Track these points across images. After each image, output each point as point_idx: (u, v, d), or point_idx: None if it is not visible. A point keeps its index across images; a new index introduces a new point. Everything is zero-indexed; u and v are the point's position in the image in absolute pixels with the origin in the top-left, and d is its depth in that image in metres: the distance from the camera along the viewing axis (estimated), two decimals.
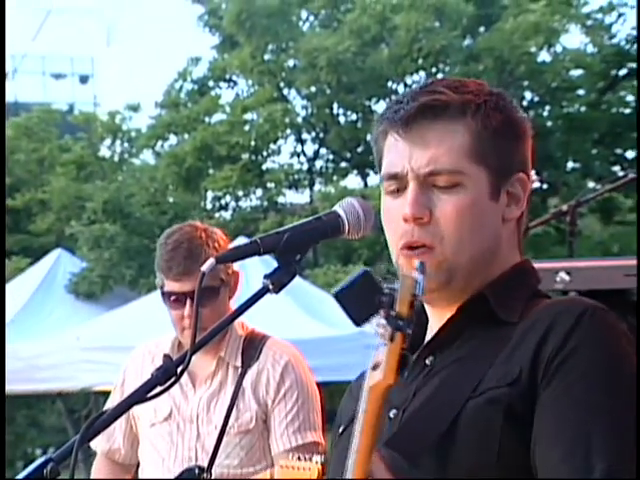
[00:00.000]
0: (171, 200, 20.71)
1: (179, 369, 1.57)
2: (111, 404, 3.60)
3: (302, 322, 10.54)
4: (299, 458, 3.05)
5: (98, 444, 3.63)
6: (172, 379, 1.57)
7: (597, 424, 1.53)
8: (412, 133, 1.71)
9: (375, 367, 1.47)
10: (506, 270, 1.73)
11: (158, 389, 1.58)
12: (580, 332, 1.58)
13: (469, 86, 1.76)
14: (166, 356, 1.63)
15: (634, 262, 3.62)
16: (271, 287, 1.64)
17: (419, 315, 1.74)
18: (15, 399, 21.34)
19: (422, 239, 1.70)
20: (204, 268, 1.68)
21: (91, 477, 3.65)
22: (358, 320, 1.52)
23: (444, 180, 1.70)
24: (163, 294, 3.44)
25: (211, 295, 3.36)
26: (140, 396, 1.58)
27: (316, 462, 2.98)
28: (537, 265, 3.55)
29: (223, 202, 21.26)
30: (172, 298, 3.40)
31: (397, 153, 1.73)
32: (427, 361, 1.71)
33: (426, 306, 1.77)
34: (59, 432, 18.16)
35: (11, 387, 11.45)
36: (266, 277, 1.63)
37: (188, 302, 3.35)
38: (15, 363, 10.66)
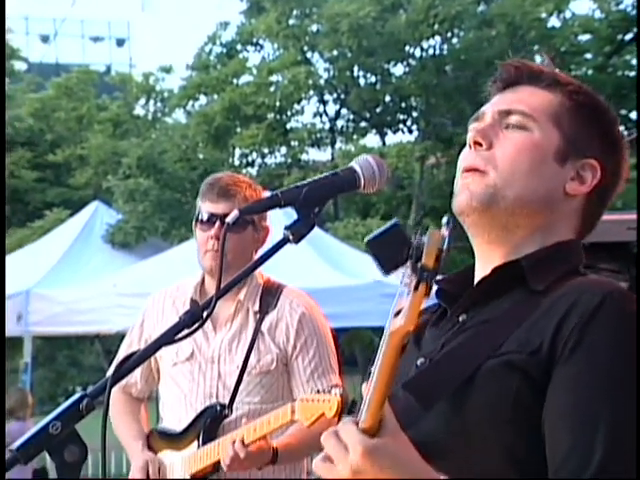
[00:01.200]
0: (201, 156, 20.71)
1: (204, 313, 1.58)
2: (129, 341, 3.64)
3: (323, 272, 10.54)
4: (318, 391, 3.07)
5: None
6: (198, 322, 1.58)
7: (603, 409, 1.51)
8: (506, 90, 1.76)
9: (397, 314, 1.46)
10: (549, 245, 1.70)
11: (185, 332, 1.59)
12: (601, 315, 1.55)
13: (569, 77, 1.78)
14: (193, 301, 1.63)
15: (635, 216, 3.60)
16: (291, 237, 1.63)
17: (467, 275, 1.75)
18: (56, 340, 21.56)
19: (477, 163, 1.69)
20: (229, 219, 1.68)
21: (110, 408, 3.67)
22: (386, 268, 1.51)
23: (516, 120, 1.69)
24: (197, 221, 3.42)
25: (241, 224, 3.33)
26: (168, 338, 1.59)
27: (335, 394, 2.99)
28: None
29: (250, 159, 21.26)
30: (204, 219, 3.39)
31: (491, 101, 1.77)
32: (460, 318, 1.69)
33: (475, 251, 1.74)
34: (97, 371, 18.35)
35: (52, 329, 11.55)
36: (286, 228, 1.63)
37: (217, 224, 3.34)
38: (56, 307, 10.74)
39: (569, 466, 1.50)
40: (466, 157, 1.72)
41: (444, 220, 1.52)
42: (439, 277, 1.74)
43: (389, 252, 1.49)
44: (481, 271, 1.73)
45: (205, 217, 3.40)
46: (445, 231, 1.48)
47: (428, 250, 1.44)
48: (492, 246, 1.71)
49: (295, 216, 1.66)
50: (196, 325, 1.59)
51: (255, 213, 1.71)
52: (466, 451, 1.56)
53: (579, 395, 1.53)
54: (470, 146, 1.72)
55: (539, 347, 1.56)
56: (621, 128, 1.81)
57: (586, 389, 1.53)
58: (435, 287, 1.74)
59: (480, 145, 1.70)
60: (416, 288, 1.44)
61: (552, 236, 1.72)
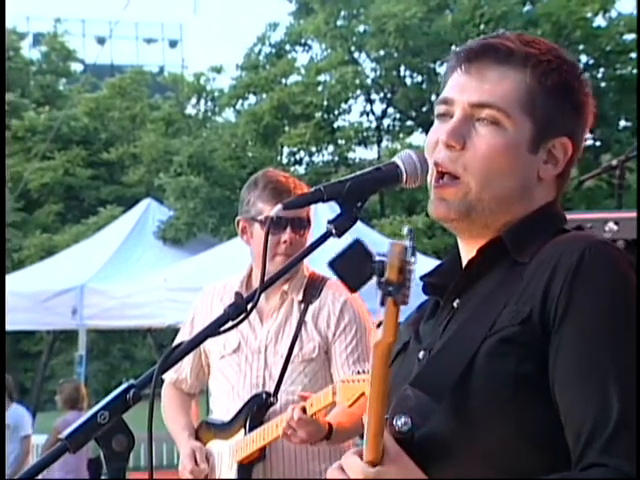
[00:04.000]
0: (250, 155, 20.77)
1: (249, 305, 1.58)
2: (181, 338, 3.63)
3: None
4: (358, 372, 3.06)
5: (167, 374, 3.66)
6: (243, 315, 1.58)
7: (609, 361, 1.49)
8: (472, 69, 1.67)
9: (378, 325, 1.45)
10: (528, 213, 1.67)
11: (229, 324, 1.59)
12: (583, 270, 1.53)
13: (540, 44, 1.70)
14: (237, 293, 1.62)
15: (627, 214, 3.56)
16: (334, 231, 1.62)
17: (454, 262, 1.73)
18: (110, 334, 21.78)
19: (447, 166, 1.65)
20: (272, 213, 1.68)
21: (162, 403, 3.69)
22: (352, 286, 1.48)
23: (487, 114, 1.63)
24: (263, 222, 3.40)
25: (307, 224, 3.41)
26: (213, 330, 1.59)
27: None
28: (588, 216, 3.51)
29: (298, 157, 21.30)
30: (273, 223, 3.30)
31: (455, 84, 1.69)
32: (454, 304, 1.67)
33: (459, 241, 1.72)
34: (149, 364, 18.48)
35: (105, 323, 11.66)
36: (330, 222, 1.62)
37: (289, 228, 3.36)
38: (109, 302, 10.83)
39: (588, 426, 1.48)
40: (438, 154, 1.66)
41: (405, 231, 1.49)
42: (424, 273, 1.73)
43: (353, 270, 1.46)
44: (467, 255, 1.70)
45: (274, 221, 3.35)
46: (407, 241, 1.45)
47: (390, 263, 1.41)
48: (476, 239, 1.69)
49: (338, 210, 1.65)
50: (241, 317, 1.58)
51: (299, 207, 1.70)
52: (475, 436, 1.54)
53: (581, 354, 1.51)
54: (441, 143, 1.66)
55: (529, 315, 1.54)
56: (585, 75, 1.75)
57: (587, 346, 1.51)
58: (421, 283, 1.73)
59: (453, 147, 1.64)
60: (382, 303, 1.42)
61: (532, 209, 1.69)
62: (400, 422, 1.53)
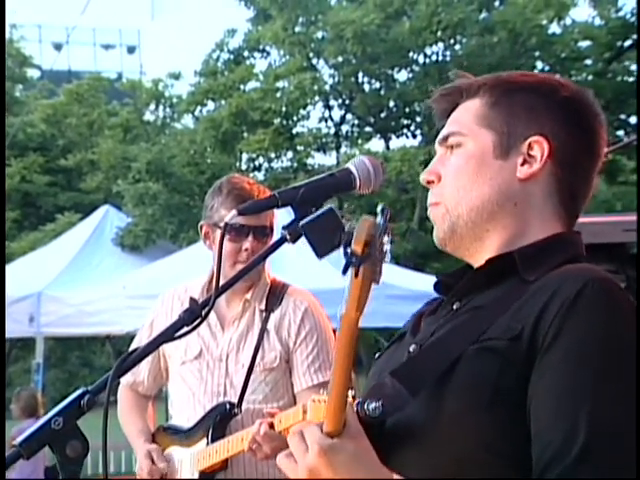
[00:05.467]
0: (209, 161, 20.72)
1: (204, 311, 1.58)
2: (139, 341, 3.63)
3: (329, 273, 10.53)
4: (321, 384, 3.03)
5: (123, 377, 3.65)
6: (198, 320, 1.58)
7: (587, 393, 1.50)
8: (439, 116, 1.79)
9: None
10: (544, 237, 1.69)
11: (185, 329, 1.59)
12: (580, 302, 1.53)
13: (507, 75, 1.77)
14: (192, 299, 1.63)
15: (633, 218, 3.60)
16: (288, 237, 1.64)
17: (465, 269, 1.76)
18: (68, 341, 21.60)
19: (431, 200, 1.74)
20: (227, 219, 1.69)
21: (118, 406, 3.68)
22: (320, 252, 1.54)
23: (452, 141, 1.72)
24: (223, 229, 3.38)
25: (268, 232, 3.40)
26: (168, 335, 1.59)
27: (348, 396, 2.98)
28: None
29: (257, 163, 21.28)
30: (235, 230, 3.34)
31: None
32: (454, 306, 1.71)
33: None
34: (108, 371, 18.28)
35: (63, 330, 11.55)
36: (284, 228, 1.64)
37: (251, 236, 3.34)
38: (67, 309, 10.74)
39: (550, 451, 1.49)
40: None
41: (379, 208, 1.51)
42: (443, 273, 1.77)
43: (322, 236, 1.52)
44: (476, 265, 1.75)
45: (236, 228, 3.35)
46: (379, 217, 1.47)
47: (357, 236, 1.42)
48: (476, 255, 1.73)
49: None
50: (195, 323, 1.59)
51: (254, 213, 1.71)
52: (445, 436, 1.55)
53: (560, 383, 1.52)
54: (426, 182, 1.76)
55: (520, 333, 1.55)
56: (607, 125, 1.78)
57: (567, 377, 1.52)
58: (434, 280, 1.78)
59: (431, 183, 1.74)
60: (344, 272, 1.43)
61: (538, 224, 1.71)
62: (372, 406, 1.56)
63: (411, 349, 1.68)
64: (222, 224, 3.38)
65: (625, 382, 1.52)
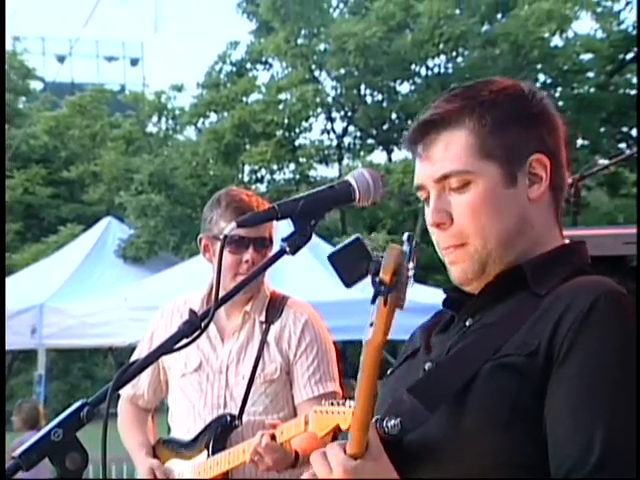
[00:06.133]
0: (211, 173, 20.73)
1: (203, 323, 1.58)
2: (138, 354, 3.61)
3: (331, 286, 10.53)
4: (332, 403, 3.03)
5: (124, 389, 3.65)
6: (197, 332, 1.58)
7: (602, 406, 1.52)
8: (421, 150, 1.73)
9: (371, 324, 1.50)
10: (551, 249, 1.71)
11: (184, 341, 1.59)
12: (594, 316, 1.55)
13: (469, 91, 1.74)
14: (191, 311, 1.63)
15: (633, 231, 3.60)
16: (288, 249, 1.64)
17: None
18: (70, 353, 21.57)
19: (450, 242, 1.71)
20: (226, 231, 1.69)
21: (118, 419, 3.68)
22: (347, 281, 1.55)
23: (455, 182, 1.68)
24: (223, 241, 3.37)
25: (268, 243, 3.38)
26: (167, 347, 1.59)
27: (349, 406, 2.96)
28: None
29: (259, 175, 21.28)
30: (235, 242, 3.35)
31: (417, 168, 1.76)
32: (467, 322, 1.71)
33: None
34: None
35: (65, 342, 11.55)
36: (283, 240, 1.64)
37: (251, 248, 3.33)
38: (69, 320, 10.75)
39: (568, 463, 1.51)
40: (439, 237, 1.73)
41: (405, 236, 1.53)
42: (450, 286, 1.78)
43: (350, 266, 1.52)
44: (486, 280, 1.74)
45: (236, 240, 3.35)
46: (405, 246, 1.49)
47: (386, 265, 1.46)
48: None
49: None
50: (195, 334, 1.59)
51: (253, 225, 1.71)
52: (464, 454, 1.56)
53: (576, 396, 1.53)
54: (433, 225, 1.72)
55: (536, 349, 1.57)
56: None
57: (582, 390, 1.54)
58: (438, 292, 1.78)
59: (443, 225, 1.71)
60: (373, 301, 1.46)
61: (538, 237, 1.72)
62: (390, 424, 1.58)
63: (426, 367, 1.68)
64: (221, 236, 3.38)
65: (638, 393, 1.53)
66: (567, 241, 1.76)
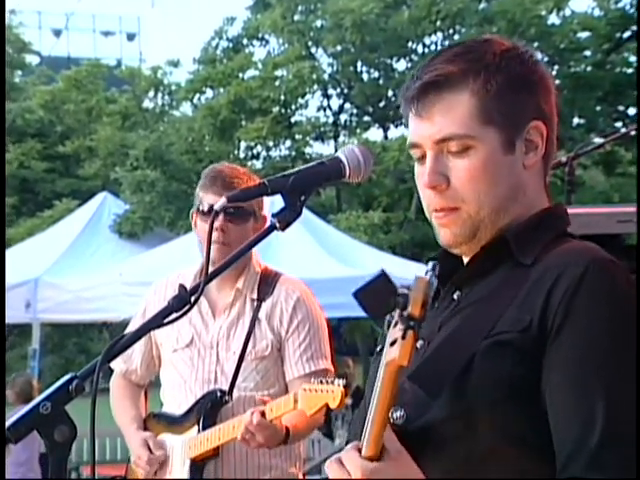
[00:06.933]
0: (207, 149, 20.68)
1: (193, 297, 1.58)
2: (131, 329, 3.62)
3: (325, 263, 10.54)
4: (321, 382, 3.03)
5: (117, 365, 3.66)
6: (187, 306, 1.58)
7: (600, 376, 1.52)
8: (421, 110, 1.70)
9: (392, 344, 1.49)
10: (532, 214, 1.70)
11: (173, 315, 1.59)
12: (584, 286, 1.56)
13: (472, 52, 1.71)
14: (181, 286, 1.63)
15: (628, 209, 3.61)
16: (278, 225, 1.64)
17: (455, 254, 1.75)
18: (66, 328, 21.59)
19: (443, 204, 1.69)
20: (216, 206, 1.68)
21: (110, 393, 3.69)
22: (376, 316, 1.53)
23: (455, 145, 1.67)
24: (199, 211, 3.44)
25: (243, 215, 3.36)
26: (157, 322, 1.60)
27: (338, 385, 2.96)
28: None
29: (255, 151, 21.24)
30: (206, 210, 3.39)
31: (414, 126, 1.72)
32: (455, 296, 1.70)
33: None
34: None
35: (60, 316, 11.56)
36: (274, 216, 1.64)
37: (221, 215, 3.32)
38: (64, 295, 10.74)
39: (573, 437, 1.51)
40: (431, 198, 1.71)
41: (429, 266, 1.53)
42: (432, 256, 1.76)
43: (377, 301, 1.50)
44: (472, 250, 1.74)
45: (204, 207, 3.42)
46: (430, 276, 1.49)
47: (414, 298, 1.45)
48: (480, 245, 1.73)
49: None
50: (185, 309, 1.59)
51: (243, 201, 1.71)
52: (471, 435, 1.57)
53: (572, 369, 1.54)
54: (427, 187, 1.70)
55: (529, 324, 1.57)
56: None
57: (579, 358, 1.54)
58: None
59: (440, 187, 1.69)
60: (403, 336, 1.45)
61: (528, 206, 1.72)
62: (396, 414, 1.59)
63: (418, 345, 1.66)
64: (200, 207, 3.43)
65: (636, 359, 1.53)
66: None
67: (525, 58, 1.73)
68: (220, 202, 1.66)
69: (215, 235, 3.32)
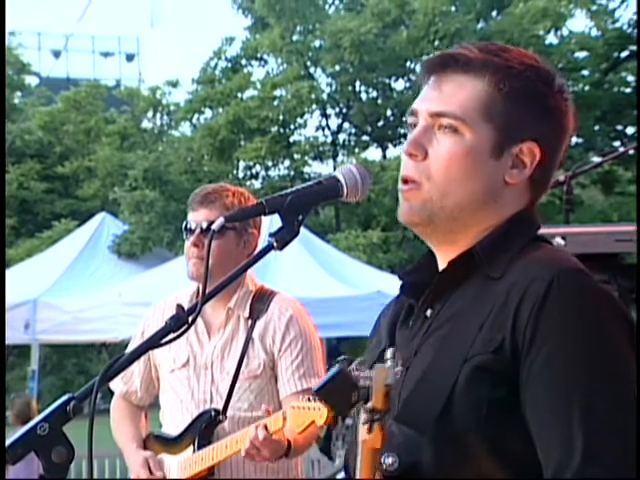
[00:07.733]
0: (206, 169, 20.73)
1: (190, 318, 1.58)
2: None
3: (324, 282, 10.54)
4: (309, 399, 3.04)
5: (117, 386, 3.66)
6: (184, 327, 1.58)
7: (572, 394, 1.50)
8: (434, 79, 1.69)
9: (364, 423, 1.50)
10: (499, 223, 1.66)
11: (171, 336, 1.59)
12: (550, 300, 1.52)
13: (506, 52, 1.70)
14: (179, 305, 1.63)
15: (626, 228, 3.61)
16: (275, 244, 1.63)
17: (428, 264, 1.72)
18: (64, 348, 21.54)
19: (412, 174, 1.66)
20: (214, 226, 1.68)
21: (111, 415, 3.68)
22: (340, 413, 1.52)
23: (447, 122, 1.65)
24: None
25: (219, 231, 3.36)
26: (154, 342, 1.59)
27: None
28: None
29: (254, 171, 21.30)
30: (186, 227, 3.45)
31: (420, 95, 1.72)
32: (427, 313, 1.67)
33: (432, 248, 1.72)
34: None
35: (59, 337, 11.55)
36: (271, 235, 1.63)
37: (197, 230, 3.38)
38: (63, 316, 10.75)
39: (556, 454, 1.50)
40: (405, 165, 1.69)
41: (388, 354, 1.52)
42: (404, 270, 1.74)
43: (339, 398, 1.50)
44: (440, 263, 1.71)
45: (187, 225, 3.46)
46: (390, 364, 1.48)
47: (376, 390, 1.45)
48: (445, 246, 1.70)
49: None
50: (181, 329, 1.59)
51: (240, 220, 1.71)
52: (465, 462, 1.55)
53: (546, 383, 1.52)
54: (406, 153, 1.68)
55: (501, 344, 1.54)
56: (563, 84, 1.72)
57: (551, 375, 1.52)
58: (400, 282, 1.74)
59: (415, 157, 1.67)
60: (369, 430, 1.46)
61: (503, 214, 1.68)
62: (388, 461, 1.56)
63: (397, 370, 1.62)
64: (186, 226, 3.46)
65: (610, 370, 1.51)
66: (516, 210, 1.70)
67: (551, 83, 1.71)
68: (218, 222, 1.66)
69: (192, 251, 3.39)
